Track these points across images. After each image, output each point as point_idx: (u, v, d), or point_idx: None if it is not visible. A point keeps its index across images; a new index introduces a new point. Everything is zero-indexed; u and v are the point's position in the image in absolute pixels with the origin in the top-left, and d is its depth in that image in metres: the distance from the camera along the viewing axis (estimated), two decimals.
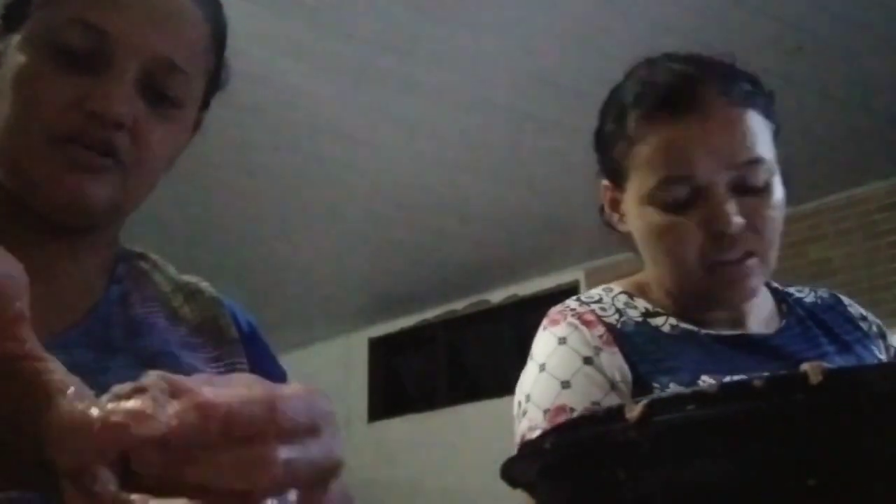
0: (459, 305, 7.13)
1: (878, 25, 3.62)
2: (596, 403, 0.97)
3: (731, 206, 0.96)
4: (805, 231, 5.07)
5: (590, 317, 1.04)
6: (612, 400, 0.98)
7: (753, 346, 1.04)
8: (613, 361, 1.00)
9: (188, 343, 0.81)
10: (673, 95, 0.99)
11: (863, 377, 0.44)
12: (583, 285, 6.38)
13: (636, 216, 1.04)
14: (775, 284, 1.15)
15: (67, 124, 0.72)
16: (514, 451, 0.53)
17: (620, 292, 1.09)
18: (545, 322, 1.07)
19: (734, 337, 1.05)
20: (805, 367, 0.42)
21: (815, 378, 0.42)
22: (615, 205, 1.08)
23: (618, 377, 0.99)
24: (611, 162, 1.07)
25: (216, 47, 0.82)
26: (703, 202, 0.97)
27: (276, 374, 0.89)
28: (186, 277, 0.89)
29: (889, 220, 5.09)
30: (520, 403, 1.05)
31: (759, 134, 0.99)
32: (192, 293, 0.86)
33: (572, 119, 4.30)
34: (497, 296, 6.93)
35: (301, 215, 5.36)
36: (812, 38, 3.59)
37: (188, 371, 0.77)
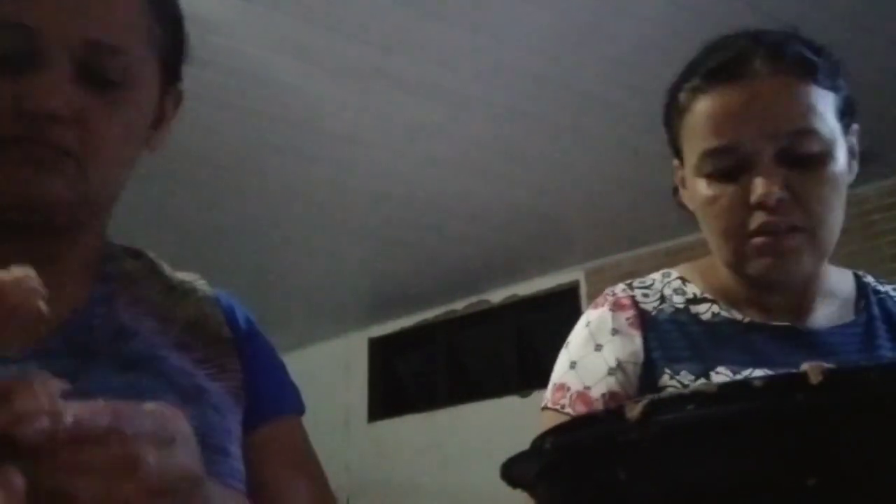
0: (459, 305, 7.14)
1: (878, 25, 3.63)
2: (587, 388, 1.02)
3: (774, 177, 0.94)
4: None
5: (625, 301, 1.07)
6: (607, 383, 1.01)
7: (797, 340, 1.01)
8: (626, 345, 1.03)
9: (179, 343, 0.79)
10: (719, 66, 0.99)
11: (863, 377, 0.44)
12: (583, 285, 6.39)
13: (690, 190, 1.03)
14: (869, 279, 1.11)
15: (10, 127, 0.71)
16: (514, 452, 0.53)
17: (677, 277, 1.10)
18: (591, 304, 1.11)
19: (780, 328, 1.02)
20: (805, 367, 0.42)
21: (815, 378, 0.42)
22: (685, 183, 1.07)
23: (624, 359, 1.02)
24: (671, 139, 1.07)
25: (157, 15, 0.79)
26: (748, 173, 0.95)
27: (274, 369, 0.88)
28: (181, 275, 0.87)
29: (889, 220, 5.10)
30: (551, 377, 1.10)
31: (813, 105, 0.96)
32: (185, 292, 0.84)
33: (572, 119, 4.31)
34: (497, 296, 6.93)
35: (301, 215, 5.36)
36: (812, 38, 3.58)
37: (175, 373, 0.76)
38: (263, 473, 0.80)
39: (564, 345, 1.09)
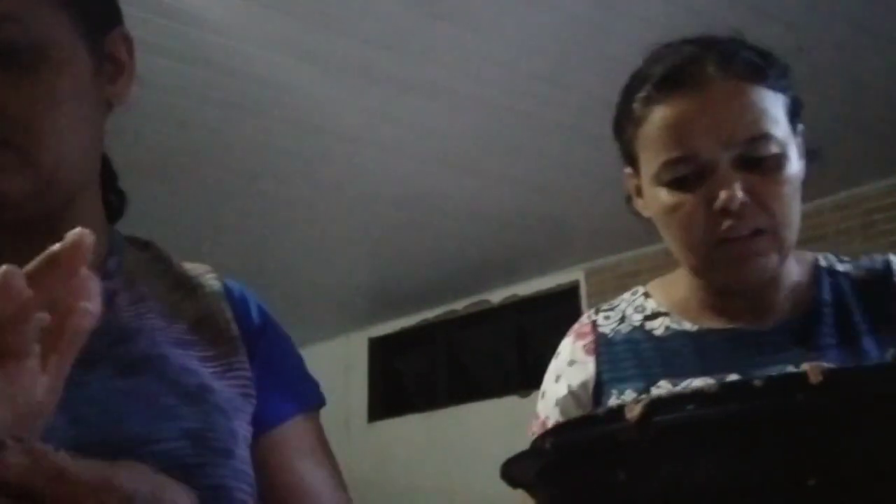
0: (459, 305, 7.14)
1: (878, 25, 3.63)
2: (547, 418, 1.09)
3: (734, 183, 0.94)
4: (805, 231, 5.02)
5: (586, 329, 1.12)
6: (554, 415, 1.08)
7: (742, 341, 1.02)
8: (579, 373, 1.08)
9: (185, 341, 0.77)
10: (671, 75, 0.99)
11: (863, 377, 0.44)
12: (583, 285, 6.39)
13: (649, 199, 1.03)
14: (828, 260, 1.10)
15: None
16: (514, 452, 0.53)
17: (642, 293, 1.13)
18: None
19: (728, 332, 1.03)
20: (805, 367, 0.42)
21: (815, 378, 0.42)
22: (639, 191, 1.07)
23: (576, 386, 1.08)
24: (624, 147, 1.07)
25: None
26: (708, 180, 0.96)
27: (290, 364, 0.86)
28: (190, 268, 0.85)
29: (889, 220, 5.10)
30: None
31: (766, 109, 0.97)
32: (193, 287, 0.82)
33: (572, 119, 4.31)
34: (497, 296, 6.93)
35: (301, 215, 5.36)
36: (812, 38, 3.59)
37: (178, 373, 0.74)
38: (284, 473, 0.78)
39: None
